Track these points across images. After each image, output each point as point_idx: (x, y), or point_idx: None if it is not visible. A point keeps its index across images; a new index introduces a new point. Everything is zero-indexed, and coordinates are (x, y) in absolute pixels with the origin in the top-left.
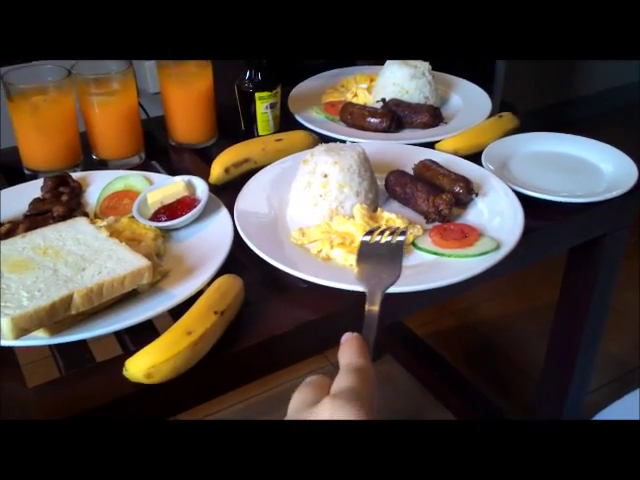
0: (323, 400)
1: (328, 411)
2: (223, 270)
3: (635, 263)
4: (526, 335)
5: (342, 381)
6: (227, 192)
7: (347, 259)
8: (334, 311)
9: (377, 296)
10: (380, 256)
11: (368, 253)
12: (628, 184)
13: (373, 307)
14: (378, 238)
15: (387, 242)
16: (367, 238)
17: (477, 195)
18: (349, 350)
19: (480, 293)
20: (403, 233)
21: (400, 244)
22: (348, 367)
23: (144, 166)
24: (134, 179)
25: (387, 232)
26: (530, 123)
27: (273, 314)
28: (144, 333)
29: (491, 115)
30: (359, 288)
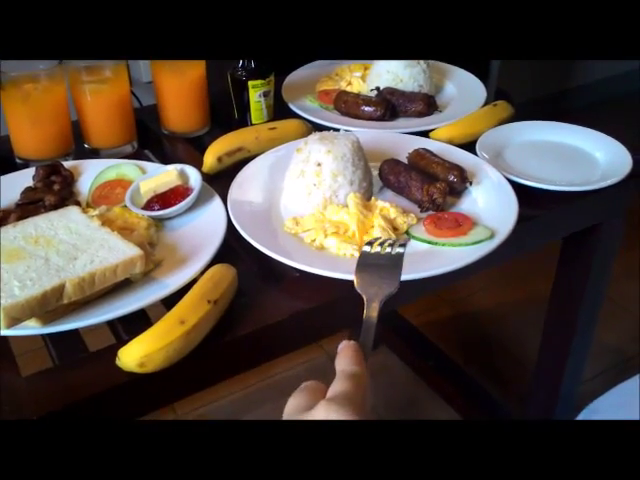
0: (318, 404)
1: (323, 414)
2: (216, 259)
3: (634, 254)
4: (522, 324)
5: (337, 387)
6: (220, 181)
7: (341, 248)
8: (328, 300)
9: (375, 304)
10: (379, 266)
11: (368, 263)
12: (622, 173)
13: (372, 314)
14: (378, 249)
15: (387, 253)
16: (367, 248)
17: (471, 184)
18: (344, 358)
19: (475, 282)
20: (403, 245)
21: (400, 255)
22: (343, 373)
23: (137, 155)
24: (126, 168)
25: (387, 243)
26: (525, 112)
27: (267, 303)
28: (137, 322)
29: (486, 103)
30: (353, 277)
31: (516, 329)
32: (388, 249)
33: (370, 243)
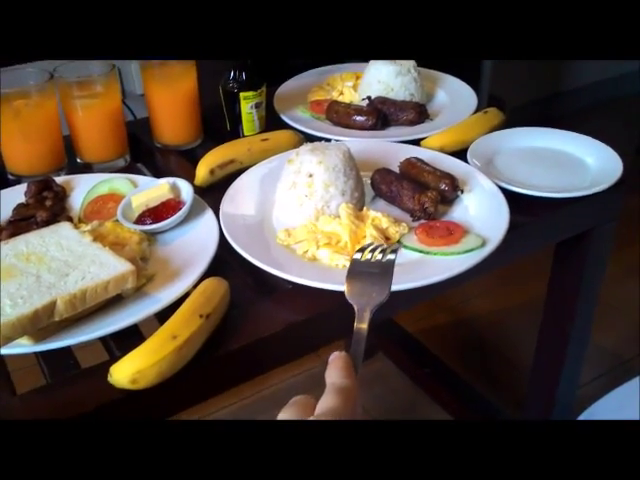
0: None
1: None
2: (209, 273)
3: (631, 255)
4: (518, 329)
5: (326, 401)
6: (213, 193)
7: (333, 259)
8: (322, 311)
9: (366, 314)
10: (371, 274)
11: (359, 271)
12: (613, 178)
13: (362, 325)
14: (369, 256)
15: (378, 260)
16: (358, 256)
17: (463, 192)
18: (335, 370)
19: (471, 289)
20: (394, 251)
21: (391, 262)
22: (333, 386)
23: (129, 169)
24: (118, 182)
25: (378, 250)
26: (516, 118)
27: (260, 316)
28: (130, 338)
29: (478, 110)
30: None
31: (512, 334)
32: (379, 256)
33: (361, 250)
